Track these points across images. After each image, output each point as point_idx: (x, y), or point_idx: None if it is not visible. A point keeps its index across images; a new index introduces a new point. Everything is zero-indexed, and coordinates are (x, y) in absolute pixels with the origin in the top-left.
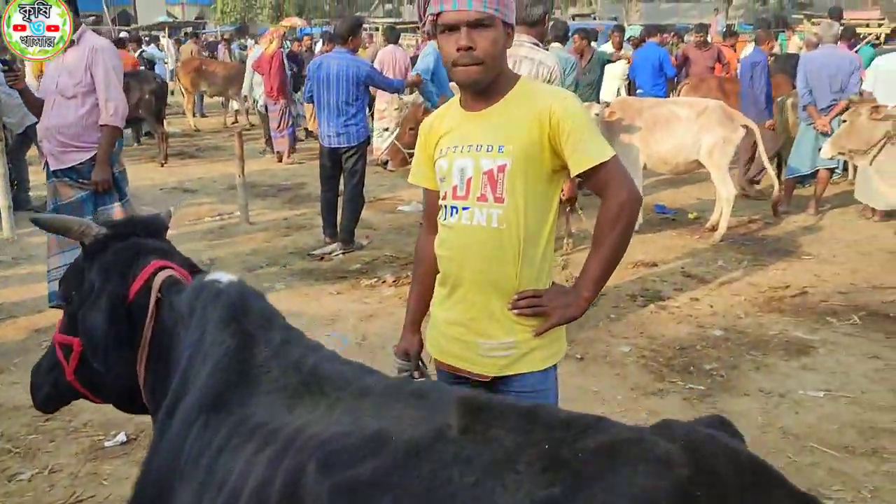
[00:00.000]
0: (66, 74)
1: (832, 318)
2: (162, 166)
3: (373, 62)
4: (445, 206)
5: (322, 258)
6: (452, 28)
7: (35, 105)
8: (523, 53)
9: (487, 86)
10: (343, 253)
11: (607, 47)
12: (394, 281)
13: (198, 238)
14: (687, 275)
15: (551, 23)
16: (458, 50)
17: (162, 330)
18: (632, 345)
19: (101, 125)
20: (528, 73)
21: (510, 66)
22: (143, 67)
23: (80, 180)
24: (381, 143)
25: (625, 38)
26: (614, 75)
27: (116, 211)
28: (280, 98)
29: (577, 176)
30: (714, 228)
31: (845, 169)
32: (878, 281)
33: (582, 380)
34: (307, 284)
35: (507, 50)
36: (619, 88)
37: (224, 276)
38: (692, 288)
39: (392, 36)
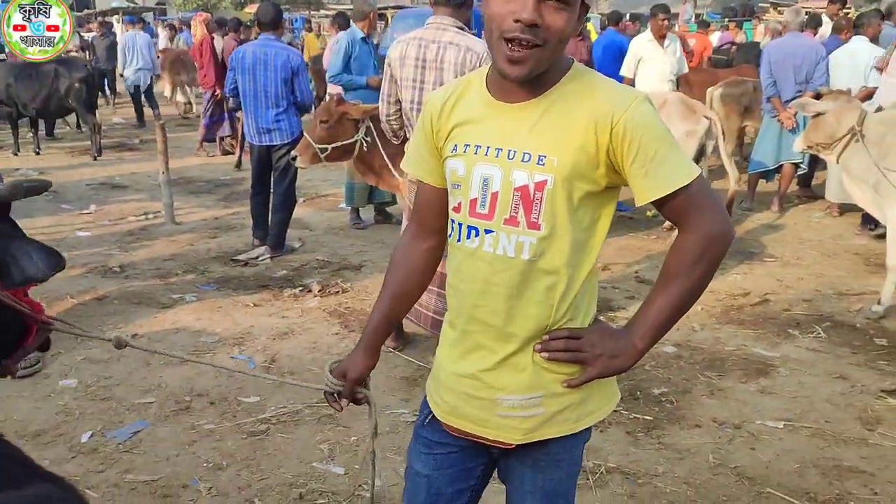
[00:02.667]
0: None
1: (795, 330)
2: (95, 160)
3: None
4: (459, 224)
5: (246, 263)
6: None
7: None
8: (447, 39)
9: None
10: (270, 258)
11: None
12: (320, 290)
13: (115, 240)
14: (641, 280)
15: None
16: (515, 21)
17: None
18: None
19: None
20: (453, 61)
21: (432, 53)
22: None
23: None
24: None
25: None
26: None
27: None
28: (212, 87)
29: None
30: (672, 228)
31: (811, 164)
32: (844, 286)
33: None
34: (223, 295)
35: (426, 34)
36: None
37: None
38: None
39: (343, 22)
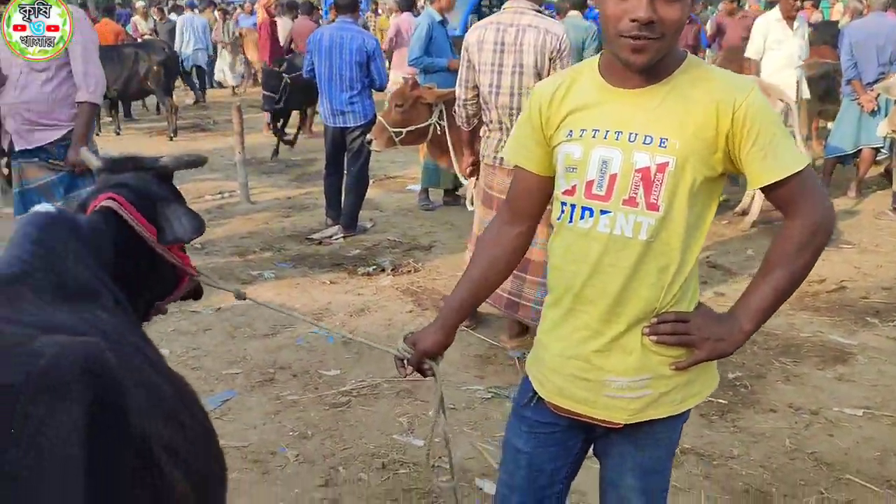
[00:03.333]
0: None
1: (874, 318)
2: (171, 140)
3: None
4: (572, 205)
5: (320, 242)
6: None
7: None
8: (526, 22)
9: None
10: (343, 237)
11: None
12: (392, 270)
13: None
14: (712, 265)
15: None
16: (632, 20)
17: None
18: None
19: (78, 102)
20: (533, 44)
21: (510, 37)
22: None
23: (51, 161)
24: None
25: None
26: None
27: None
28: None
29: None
30: (745, 213)
31: (891, 148)
32: None
33: None
34: (300, 273)
35: (503, 18)
36: None
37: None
38: (718, 281)
39: (405, 3)
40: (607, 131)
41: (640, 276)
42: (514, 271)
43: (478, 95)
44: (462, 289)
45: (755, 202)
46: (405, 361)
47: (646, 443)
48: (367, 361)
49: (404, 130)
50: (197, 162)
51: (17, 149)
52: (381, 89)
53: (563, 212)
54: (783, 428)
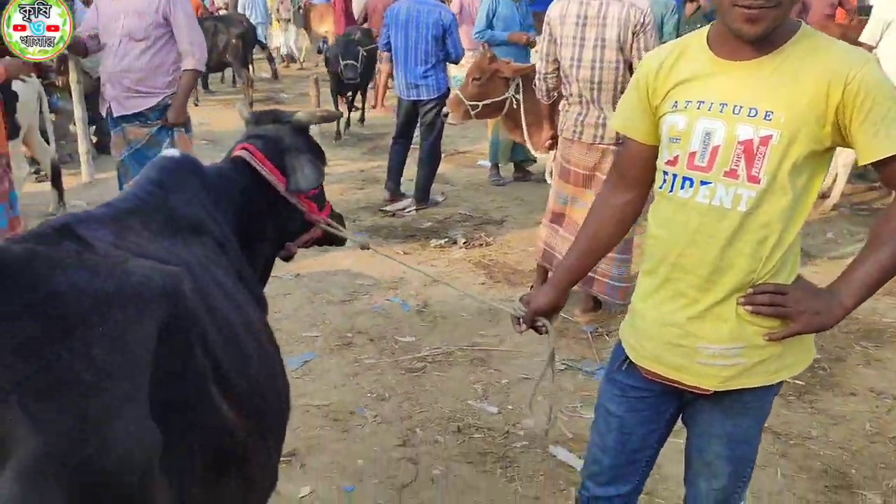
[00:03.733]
0: (133, 16)
1: None
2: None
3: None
4: (674, 175)
5: (394, 214)
6: None
7: (79, 46)
8: None
9: None
10: (416, 210)
11: None
12: (465, 243)
13: None
14: None
15: None
16: None
17: None
18: None
19: (184, 69)
20: (617, 17)
21: (594, 10)
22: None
23: (149, 122)
24: None
25: None
26: None
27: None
28: None
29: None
30: (825, 196)
31: None
32: None
33: None
34: (375, 242)
35: None
36: None
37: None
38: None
39: None
40: (712, 103)
41: (738, 247)
42: None
43: (558, 69)
44: (571, 255)
45: (836, 185)
46: (520, 320)
47: (735, 411)
48: (442, 330)
49: (481, 104)
50: (330, 117)
51: (115, 115)
52: (457, 62)
53: (664, 181)
54: (863, 411)
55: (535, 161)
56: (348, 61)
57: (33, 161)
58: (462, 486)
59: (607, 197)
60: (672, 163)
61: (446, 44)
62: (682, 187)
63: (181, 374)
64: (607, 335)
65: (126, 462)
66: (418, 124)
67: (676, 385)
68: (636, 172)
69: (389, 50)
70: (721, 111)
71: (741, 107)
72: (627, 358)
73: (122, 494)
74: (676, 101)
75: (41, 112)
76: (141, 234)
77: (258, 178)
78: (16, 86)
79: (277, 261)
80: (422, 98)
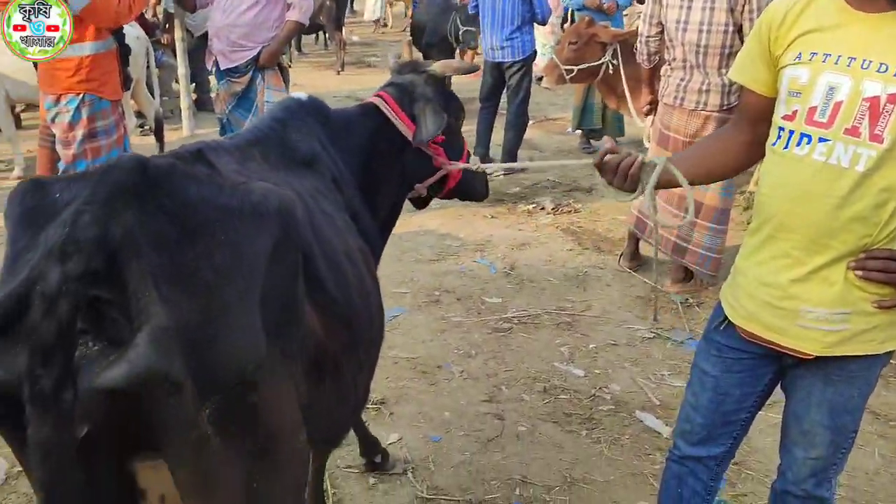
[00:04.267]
0: None
1: None
2: (338, 74)
3: None
4: (790, 132)
5: None
6: None
7: (188, 1)
8: None
9: None
10: (504, 174)
11: None
12: (553, 209)
13: None
14: None
15: None
16: None
17: None
18: None
19: (287, 19)
20: None
21: None
22: None
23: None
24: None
25: None
26: None
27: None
28: None
29: None
30: None
31: None
32: None
33: None
34: (463, 205)
35: None
36: None
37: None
38: None
39: None
40: (839, 56)
41: (853, 209)
42: (684, 214)
43: (661, 32)
44: (685, 157)
45: None
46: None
47: (837, 378)
48: (528, 293)
49: (576, 68)
50: (468, 69)
51: (221, 68)
52: (544, 23)
53: (779, 137)
54: None
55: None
56: (469, 28)
57: (139, 115)
58: (547, 443)
59: (731, 131)
60: (789, 118)
61: (532, 4)
62: (798, 144)
63: (288, 285)
64: (697, 306)
65: (236, 353)
66: (505, 88)
67: (774, 347)
68: (753, 120)
69: (478, 13)
70: (848, 65)
71: (870, 61)
72: (726, 318)
73: (231, 379)
74: (800, 53)
75: (148, 67)
76: (260, 164)
77: (388, 123)
78: (128, 40)
79: None
80: (506, 60)
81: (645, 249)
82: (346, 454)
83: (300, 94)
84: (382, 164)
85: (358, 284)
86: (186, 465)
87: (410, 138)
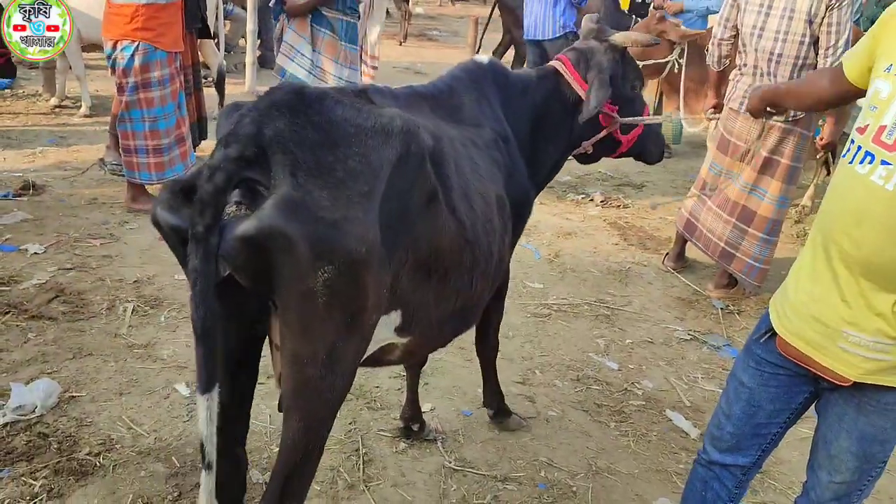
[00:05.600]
0: None
1: None
2: (400, 45)
3: None
4: (858, 146)
5: None
6: None
7: None
8: None
9: None
10: None
11: None
12: (602, 201)
13: None
14: None
15: None
16: None
17: None
18: None
19: None
20: None
21: None
22: None
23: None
24: None
25: None
26: None
27: None
28: None
29: None
30: None
31: None
32: None
33: None
34: None
35: None
36: None
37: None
38: None
39: None
40: None
41: None
42: (736, 220)
43: (736, 36)
44: (788, 83)
45: None
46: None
47: (871, 408)
48: (570, 282)
49: (641, 64)
50: (648, 42)
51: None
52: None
53: (848, 149)
54: None
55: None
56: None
57: (203, 66)
58: (575, 430)
59: (824, 78)
60: (861, 130)
61: None
62: (862, 161)
63: (408, 192)
64: (738, 314)
65: (351, 235)
66: None
67: (811, 368)
68: (839, 94)
69: None
70: None
71: None
72: (770, 330)
73: (343, 253)
74: (891, 65)
75: (216, 19)
76: (426, 114)
77: (563, 85)
78: None
79: None
80: (546, 38)
81: (691, 252)
82: (381, 417)
83: (482, 56)
84: (553, 123)
85: (485, 220)
86: (292, 311)
87: (584, 99)
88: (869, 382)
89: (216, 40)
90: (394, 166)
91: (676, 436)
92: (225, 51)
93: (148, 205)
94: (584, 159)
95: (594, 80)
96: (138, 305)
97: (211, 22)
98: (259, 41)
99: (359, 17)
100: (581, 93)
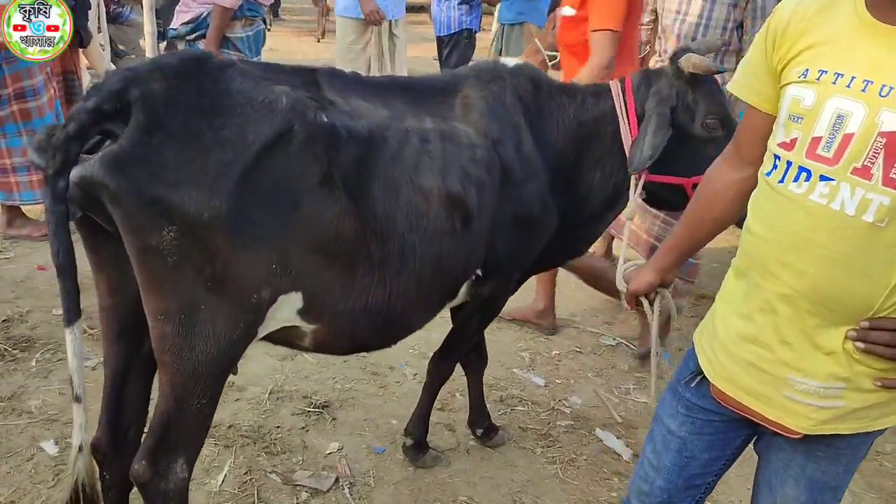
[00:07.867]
0: None
1: None
2: (318, 42)
3: None
4: (788, 163)
5: None
6: None
7: None
8: None
9: None
10: None
11: None
12: None
13: None
14: None
15: None
16: None
17: None
18: None
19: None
20: None
21: None
22: None
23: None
24: None
25: None
26: None
27: None
28: None
29: None
30: None
31: None
32: None
33: None
34: None
35: None
36: None
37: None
38: None
39: None
40: (853, 78)
41: (857, 267)
42: (664, 215)
43: (655, 20)
44: (678, 229)
45: None
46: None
47: (821, 455)
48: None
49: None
50: (716, 70)
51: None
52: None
53: (774, 167)
54: None
55: None
56: None
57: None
58: (499, 461)
59: (719, 171)
60: (787, 146)
61: None
62: (796, 179)
63: (288, 169)
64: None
65: (193, 200)
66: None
67: (754, 419)
68: (755, 146)
69: None
70: (864, 90)
71: (892, 87)
72: (699, 372)
73: (186, 219)
74: (807, 70)
75: (99, 20)
76: (388, 103)
77: (609, 113)
78: None
79: None
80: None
81: (617, 249)
82: (280, 463)
83: (509, 59)
84: (603, 149)
85: (414, 216)
86: (139, 264)
87: (626, 147)
88: (826, 433)
89: (102, 46)
90: (272, 142)
91: (608, 458)
92: (118, 56)
93: (25, 229)
94: (655, 203)
95: (650, 118)
96: (6, 349)
97: (94, 27)
98: (163, 43)
99: (263, 20)
100: (625, 135)
